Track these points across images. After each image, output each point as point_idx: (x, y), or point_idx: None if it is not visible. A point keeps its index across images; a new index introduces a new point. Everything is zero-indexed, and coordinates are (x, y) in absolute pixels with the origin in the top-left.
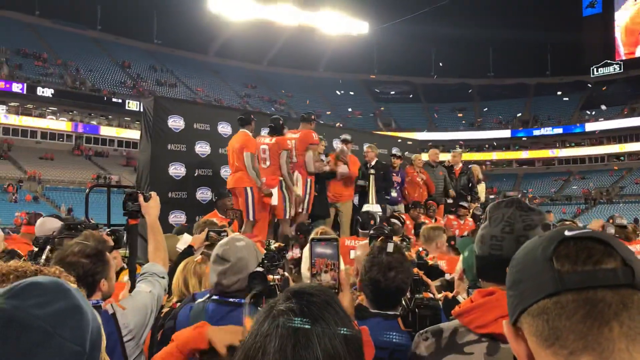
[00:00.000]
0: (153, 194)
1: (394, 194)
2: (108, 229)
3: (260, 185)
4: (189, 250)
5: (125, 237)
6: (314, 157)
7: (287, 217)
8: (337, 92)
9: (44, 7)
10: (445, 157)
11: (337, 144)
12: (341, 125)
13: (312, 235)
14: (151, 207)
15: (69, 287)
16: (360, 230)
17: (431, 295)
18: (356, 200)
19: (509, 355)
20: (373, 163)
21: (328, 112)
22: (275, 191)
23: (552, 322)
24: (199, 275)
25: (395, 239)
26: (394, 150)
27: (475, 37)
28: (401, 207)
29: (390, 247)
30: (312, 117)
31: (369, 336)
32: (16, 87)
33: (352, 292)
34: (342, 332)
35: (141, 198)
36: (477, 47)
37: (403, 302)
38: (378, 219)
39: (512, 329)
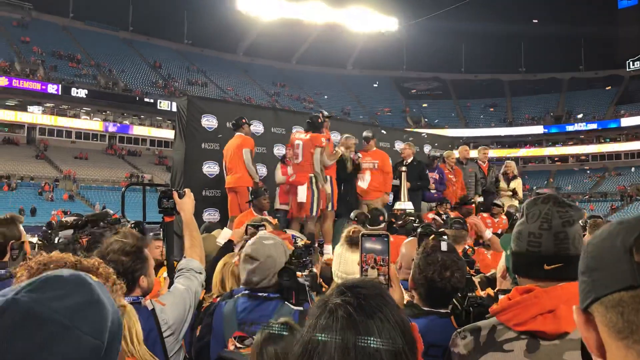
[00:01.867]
0: (187, 190)
1: (432, 190)
2: (132, 222)
3: (258, 181)
4: (229, 245)
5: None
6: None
7: (314, 214)
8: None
9: (78, 10)
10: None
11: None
12: (384, 131)
13: (344, 234)
14: (186, 203)
15: (90, 280)
16: (367, 226)
17: (482, 294)
18: (391, 198)
19: (550, 353)
20: (409, 160)
21: (348, 108)
22: (304, 188)
23: (628, 315)
24: (237, 276)
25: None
26: (427, 149)
27: (506, 32)
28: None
29: (444, 246)
30: (319, 119)
31: (417, 332)
32: (51, 88)
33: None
34: (399, 323)
35: (175, 195)
36: (508, 42)
37: (454, 300)
38: (386, 215)
39: (583, 316)
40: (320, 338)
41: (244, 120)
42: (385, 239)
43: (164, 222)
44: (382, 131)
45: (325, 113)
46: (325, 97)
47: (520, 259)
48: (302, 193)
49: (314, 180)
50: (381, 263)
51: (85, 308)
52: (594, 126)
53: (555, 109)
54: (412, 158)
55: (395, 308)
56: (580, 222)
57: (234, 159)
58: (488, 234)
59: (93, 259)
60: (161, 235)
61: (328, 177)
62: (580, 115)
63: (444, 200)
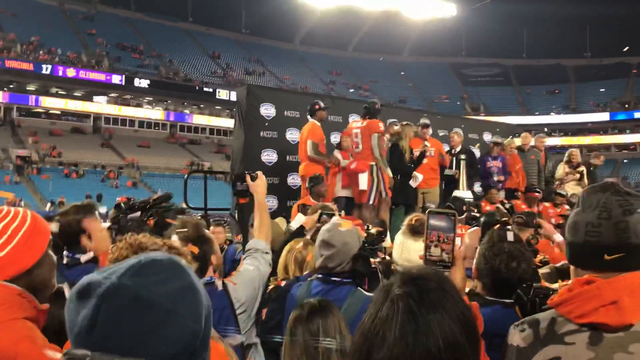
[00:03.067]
0: (259, 173)
1: (495, 178)
2: (199, 214)
3: (329, 162)
4: (301, 231)
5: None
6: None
7: (371, 202)
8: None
9: (140, 2)
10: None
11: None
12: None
13: (405, 222)
14: (258, 186)
15: (183, 264)
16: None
17: (547, 285)
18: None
19: (614, 346)
20: (458, 149)
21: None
22: (365, 176)
23: None
24: (300, 262)
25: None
26: (488, 137)
27: (569, 15)
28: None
29: (510, 236)
30: (376, 106)
31: (477, 310)
32: (115, 79)
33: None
34: (460, 318)
35: (248, 178)
36: (572, 25)
37: (519, 291)
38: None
39: None
40: (379, 329)
41: (317, 107)
42: (452, 217)
43: (239, 203)
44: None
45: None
46: (381, 84)
47: (578, 250)
48: (363, 181)
49: (374, 168)
50: (445, 240)
51: (185, 293)
52: None
53: (622, 95)
54: (460, 146)
55: (457, 301)
56: None
57: (302, 148)
58: (557, 237)
59: (172, 239)
60: (228, 219)
61: (373, 165)
62: None
63: (490, 186)
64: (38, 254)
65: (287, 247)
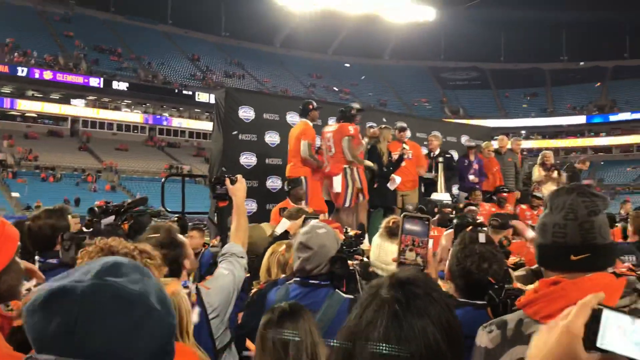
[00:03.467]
0: (239, 176)
1: (473, 179)
2: (175, 216)
3: (321, 165)
4: (285, 236)
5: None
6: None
7: (347, 205)
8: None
9: (118, 4)
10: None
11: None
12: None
13: (383, 224)
14: (238, 189)
15: (144, 268)
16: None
17: (519, 286)
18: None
19: None
20: (437, 152)
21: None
22: (338, 179)
23: None
24: (282, 264)
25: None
26: (464, 140)
27: (546, 19)
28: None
29: (482, 238)
30: (352, 111)
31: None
32: (93, 82)
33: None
34: (444, 326)
35: (228, 181)
36: (549, 30)
37: (490, 292)
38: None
39: None
40: (363, 330)
41: (310, 106)
42: (427, 222)
43: (218, 207)
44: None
45: (357, 106)
46: (361, 88)
47: (546, 251)
48: (337, 184)
49: (348, 171)
50: (420, 245)
51: (157, 291)
52: (639, 116)
53: (598, 98)
54: (439, 150)
55: (444, 309)
56: (605, 211)
57: (293, 148)
58: (529, 233)
59: (143, 243)
60: (206, 223)
61: (347, 168)
62: (624, 105)
63: (474, 189)
64: (5, 260)
65: (269, 250)
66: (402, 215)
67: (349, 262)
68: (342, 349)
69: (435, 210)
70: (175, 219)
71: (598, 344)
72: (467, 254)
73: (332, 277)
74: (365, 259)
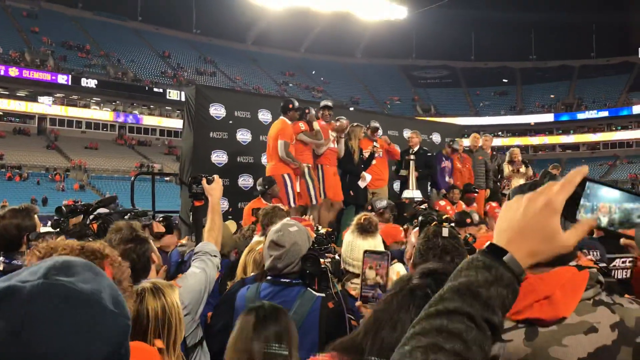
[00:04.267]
0: (216, 176)
1: (447, 179)
2: (161, 216)
3: (299, 165)
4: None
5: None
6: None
7: (314, 202)
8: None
9: (87, 0)
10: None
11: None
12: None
13: (354, 222)
14: (214, 189)
15: (97, 267)
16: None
17: None
18: (397, 187)
19: (549, 339)
20: (416, 149)
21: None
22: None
23: None
24: (259, 263)
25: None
26: (437, 137)
27: (516, 19)
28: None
29: (445, 232)
30: (289, 105)
31: None
32: (61, 79)
33: None
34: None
35: (204, 181)
36: (519, 29)
37: None
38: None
39: None
40: (395, 313)
41: (291, 105)
42: (386, 257)
43: (194, 206)
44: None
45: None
46: (334, 85)
47: None
48: (297, 183)
49: (306, 170)
50: (378, 267)
51: (110, 290)
52: (605, 114)
53: (566, 96)
54: (418, 146)
55: None
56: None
57: (270, 147)
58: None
59: (98, 242)
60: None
61: (319, 165)
62: (591, 103)
63: (454, 187)
64: None
65: (247, 248)
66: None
67: (321, 260)
68: (370, 327)
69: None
70: (161, 218)
71: (578, 217)
72: (430, 246)
73: (304, 276)
74: (337, 257)
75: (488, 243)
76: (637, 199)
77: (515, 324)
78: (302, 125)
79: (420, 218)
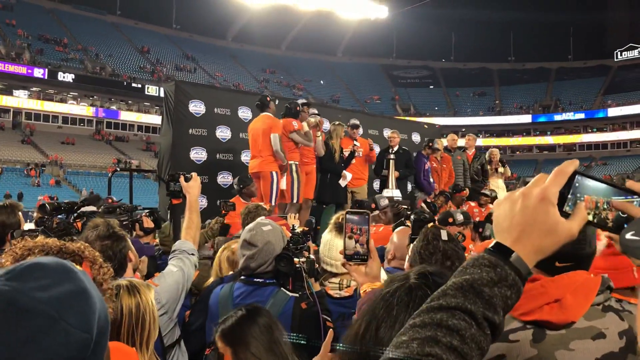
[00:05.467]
0: (194, 174)
1: (432, 179)
2: (147, 211)
3: (284, 160)
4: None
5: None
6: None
7: (295, 201)
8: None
9: None
10: (461, 142)
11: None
12: (426, 126)
13: (332, 220)
14: (192, 187)
15: (74, 269)
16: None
17: None
18: (377, 186)
19: (556, 343)
20: (396, 148)
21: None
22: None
23: None
24: (232, 261)
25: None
26: (416, 137)
27: (495, 21)
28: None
29: (444, 235)
30: (267, 98)
31: None
32: (38, 73)
33: None
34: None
35: (182, 179)
36: (498, 31)
37: None
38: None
39: None
40: (393, 310)
41: (269, 99)
42: (366, 216)
43: (172, 204)
44: (425, 126)
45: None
46: (315, 84)
47: None
48: (283, 180)
49: (294, 167)
50: (357, 232)
51: (72, 299)
52: (581, 116)
53: (543, 98)
54: (398, 146)
55: None
56: None
57: (260, 143)
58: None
59: (79, 242)
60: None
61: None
62: (568, 105)
63: (442, 192)
64: None
65: (222, 248)
66: (345, 212)
67: (296, 259)
68: (369, 324)
69: (373, 206)
70: (147, 213)
71: (564, 209)
72: (432, 250)
73: (278, 275)
74: (311, 256)
75: (494, 242)
76: (622, 194)
77: (523, 324)
78: (296, 124)
79: (412, 217)
